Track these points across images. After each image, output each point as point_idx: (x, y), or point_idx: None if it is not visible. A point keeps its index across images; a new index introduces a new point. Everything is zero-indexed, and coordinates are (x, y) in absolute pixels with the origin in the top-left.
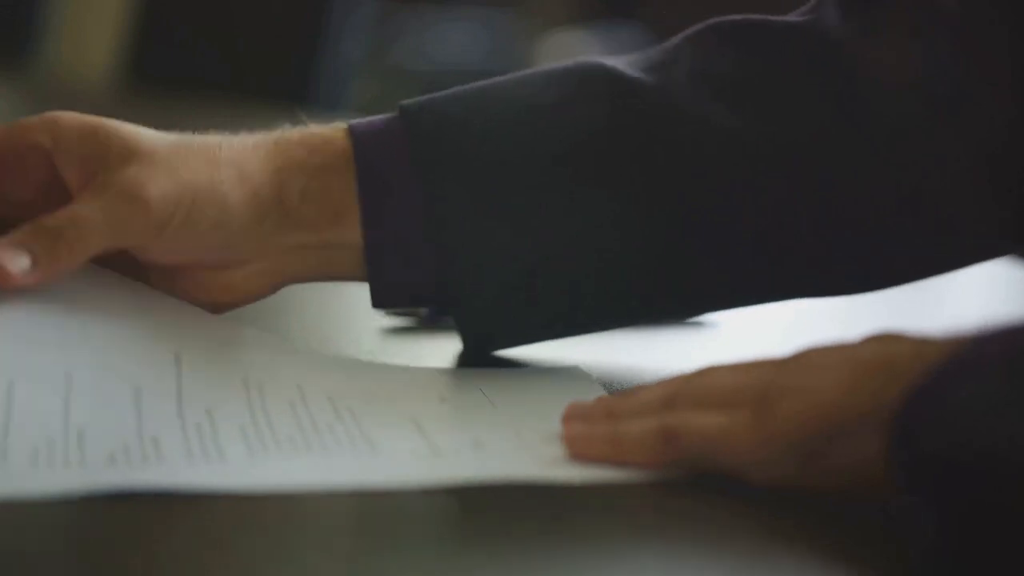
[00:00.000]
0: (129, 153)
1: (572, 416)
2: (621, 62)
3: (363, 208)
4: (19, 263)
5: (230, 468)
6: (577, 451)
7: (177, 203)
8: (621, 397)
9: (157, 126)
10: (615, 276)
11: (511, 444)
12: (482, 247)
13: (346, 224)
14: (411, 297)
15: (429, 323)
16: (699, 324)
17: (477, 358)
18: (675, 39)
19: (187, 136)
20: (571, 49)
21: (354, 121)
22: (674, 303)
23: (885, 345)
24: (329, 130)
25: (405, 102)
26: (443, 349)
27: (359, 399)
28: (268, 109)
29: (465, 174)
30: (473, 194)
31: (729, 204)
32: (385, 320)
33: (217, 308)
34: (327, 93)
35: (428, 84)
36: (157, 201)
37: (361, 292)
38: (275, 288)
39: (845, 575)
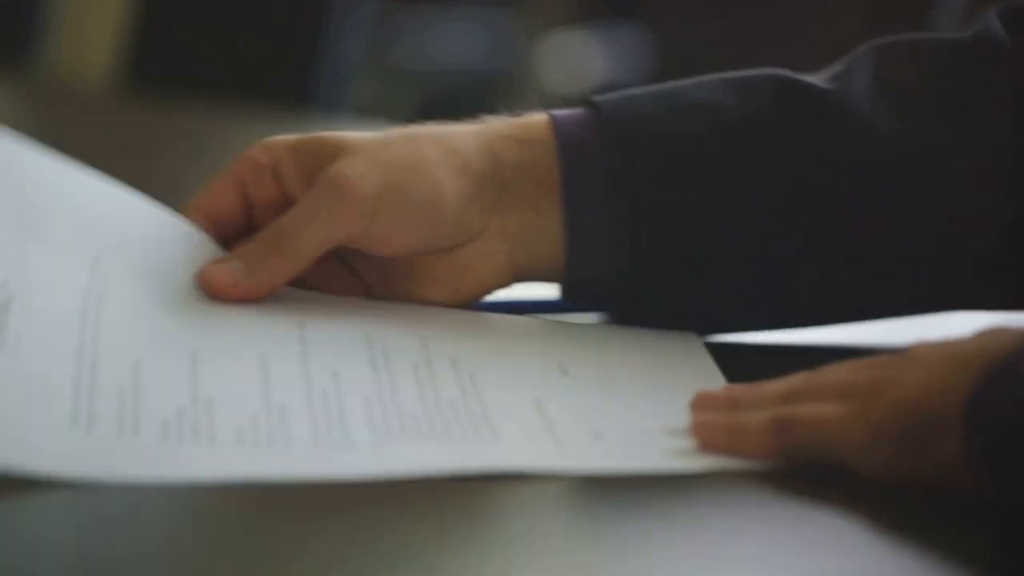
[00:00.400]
0: (338, 151)
1: (699, 405)
2: (803, 75)
3: (563, 180)
4: (235, 272)
5: (357, 457)
6: (701, 439)
7: (385, 184)
8: (746, 388)
9: (157, 126)
10: (783, 277)
11: (630, 433)
12: (663, 223)
13: (553, 199)
14: (598, 284)
15: None
16: None
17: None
18: (851, 54)
19: (396, 129)
20: (571, 49)
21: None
22: (838, 312)
23: (988, 339)
24: (528, 115)
25: (594, 97)
26: None
27: (482, 364)
28: (268, 109)
29: (649, 151)
30: (656, 168)
31: (885, 206)
32: None
33: (461, 297)
34: (327, 93)
35: (428, 84)
36: (363, 184)
37: None
38: (511, 274)
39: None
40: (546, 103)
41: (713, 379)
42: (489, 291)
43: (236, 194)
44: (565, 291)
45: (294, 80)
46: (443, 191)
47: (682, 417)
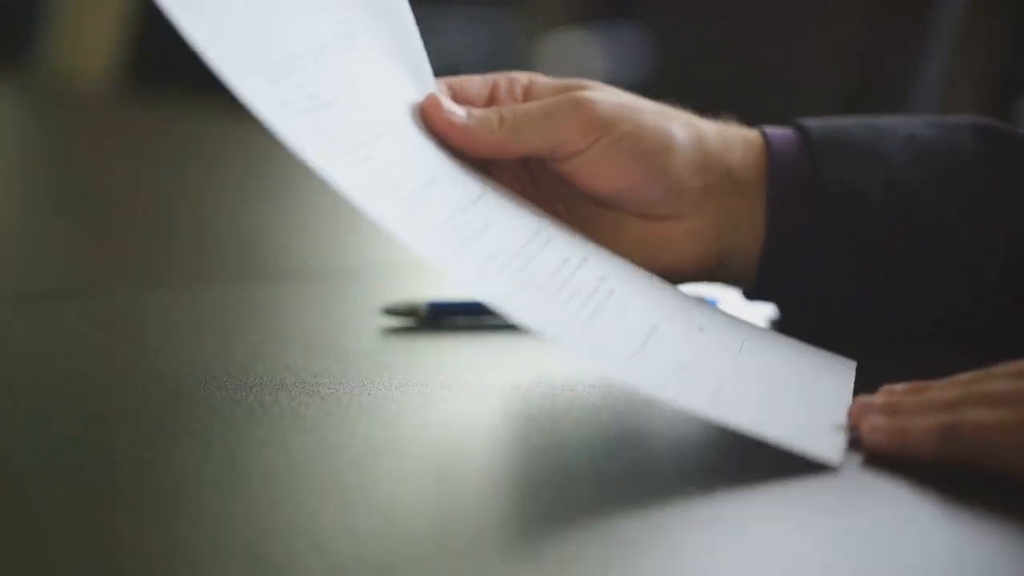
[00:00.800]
0: (590, 86)
1: (862, 408)
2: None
3: (769, 180)
4: (458, 113)
5: (462, 260)
6: (868, 440)
7: (621, 117)
8: (906, 392)
9: (157, 126)
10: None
11: (709, 378)
12: (863, 226)
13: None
14: (788, 281)
15: (429, 323)
16: None
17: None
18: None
19: None
20: (571, 49)
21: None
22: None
23: None
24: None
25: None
26: (443, 349)
27: (626, 289)
28: None
29: (853, 160)
30: (859, 172)
31: None
32: (385, 320)
33: (656, 270)
34: None
35: None
36: (601, 106)
37: (361, 292)
38: (705, 264)
39: None
40: None
41: (838, 397)
42: (677, 275)
43: (485, 87)
44: (757, 284)
45: None
46: (676, 146)
47: (783, 404)
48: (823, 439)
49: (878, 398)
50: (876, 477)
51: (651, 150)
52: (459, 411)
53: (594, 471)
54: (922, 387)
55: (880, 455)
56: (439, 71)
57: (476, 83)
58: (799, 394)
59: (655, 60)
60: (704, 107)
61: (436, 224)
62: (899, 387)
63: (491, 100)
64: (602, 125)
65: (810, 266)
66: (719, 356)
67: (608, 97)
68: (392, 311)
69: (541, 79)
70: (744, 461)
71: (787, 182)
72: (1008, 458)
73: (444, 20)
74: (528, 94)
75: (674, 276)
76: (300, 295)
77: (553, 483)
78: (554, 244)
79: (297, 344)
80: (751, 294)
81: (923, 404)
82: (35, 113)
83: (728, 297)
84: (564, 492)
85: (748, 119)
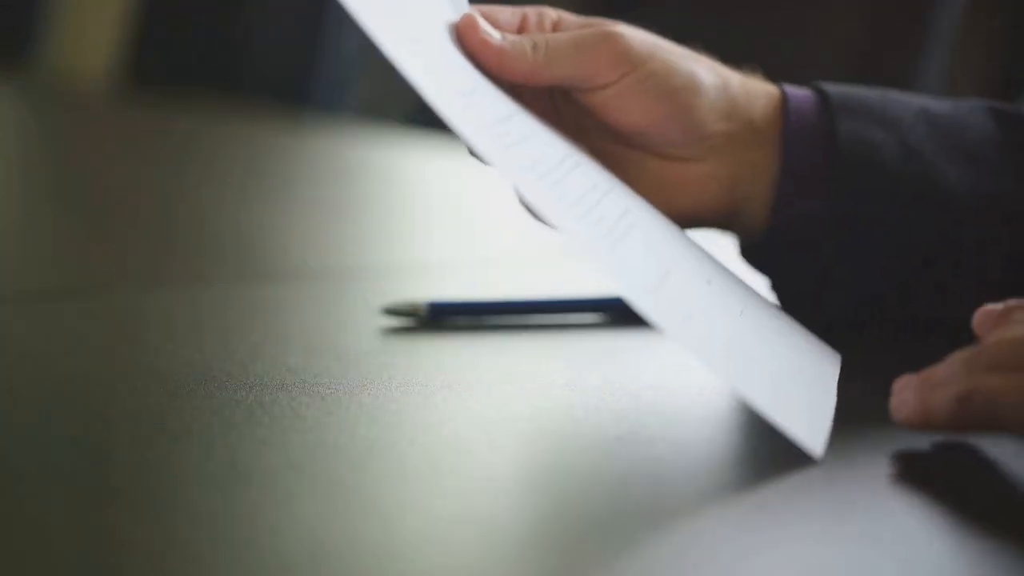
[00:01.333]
0: (615, 24)
1: (904, 384)
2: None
3: (784, 135)
4: (492, 33)
5: (507, 157)
6: (895, 416)
7: (651, 54)
8: (935, 367)
9: (157, 126)
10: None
11: (709, 324)
12: (875, 177)
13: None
14: (799, 234)
15: (429, 323)
16: None
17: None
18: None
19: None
20: None
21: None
22: None
23: None
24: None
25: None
26: (443, 349)
27: (644, 227)
28: (268, 109)
29: (870, 125)
30: (876, 139)
31: None
32: (385, 320)
33: (671, 212)
34: (327, 93)
35: None
36: (632, 41)
37: (361, 292)
38: (721, 210)
39: None
40: None
41: (826, 379)
42: (695, 219)
43: (516, 18)
44: (767, 234)
45: (294, 80)
46: (701, 88)
47: (775, 369)
48: (811, 427)
49: (915, 377)
50: (877, 476)
51: (678, 90)
52: (459, 411)
53: (594, 471)
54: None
55: (915, 429)
56: None
57: (506, 13)
58: (793, 373)
59: None
60: None
61: (479, 127)
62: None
63: (521, 30)
64: (632, 60)
65: (818, 232)
66: (722, 315)
67: (639, 34)
68: (392, 311)
69: (569, 16)
70: (744, 461)
71: (803, 136)
72: (1018, 423)
73: None
74: (557, 28)
75: (688, 219)
76: (300, 295)
77: (553, 483)
78: (582, 168)
79: (297, 344)
80: (756, 251)
81: (949, 373)
82: (35, 113)
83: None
84: (564, 492)
85: None
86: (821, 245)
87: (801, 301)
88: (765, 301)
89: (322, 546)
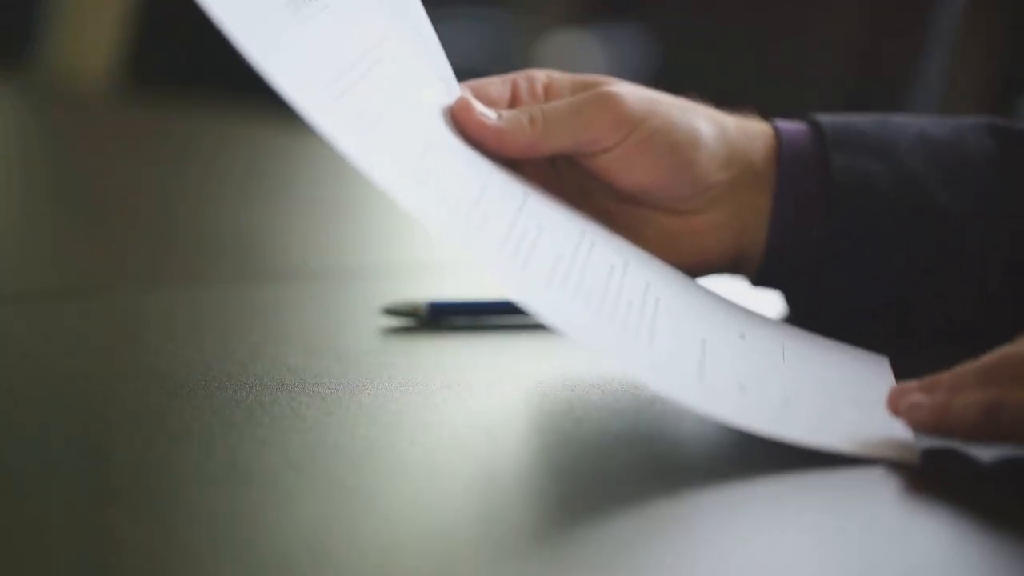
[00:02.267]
0: (607, 82)
1: (902, 390)
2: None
3: (778, 170)
4: (487, 114)
5: (521, 277)
6: (909, 419)
7: (650, 113)
8: (949, 373)
9: (157, 126)
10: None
11: (772, 397)
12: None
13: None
14: (796, 272)
15: (429, 323)
16: None
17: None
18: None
19: None
20: (571, 49)
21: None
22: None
23: None
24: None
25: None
26: (443, 349)
27: (671, 297)
28: (268, 109)
29: (864, 154)
30: (866, 160)
31: None
32: (385, 320)
33: (680, 263)
34: None
35: None
36: (630, 103)
37: (361, 292)
38: (729, 257)
39: None
40: None
41: (885, 378)
42: (704, 268)
43: (505, 90)
44: (762, 271)
45: None
46: (702, 142)
47: (839, 406)
48: (892, 438)
49: (914, 382)
50: (881, 475)
51: (679, 146)
52: (459, 411)
53: (594, 471)
54: (955, 371)
55: (925, 433)
56: None
57: (496, 84)
58: (854, 398)
59: (655, 60)
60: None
61: (501, 241)
62: (943, 375)
63: (513, 101)
64: (631, 121)
65: (816, 257)
66: (770, 368)
67: (634, 92)
68: (392, 311)
69: (559, 75)
70: (747, 460)
71: (797, 173)
72: None
73: (444, 20)
74: (548, 92)
75: (697, 269)
76: (300, 295)
77: (553, 483)
78: (598, 248)
79: (297, 344)
80: (757, 281)
81: (960, 379)
82: (35, 113)
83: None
84: (564, 492)
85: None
86: (818, 267)
87: (807, 315)
88: (796, 331)
89: (322, 546)
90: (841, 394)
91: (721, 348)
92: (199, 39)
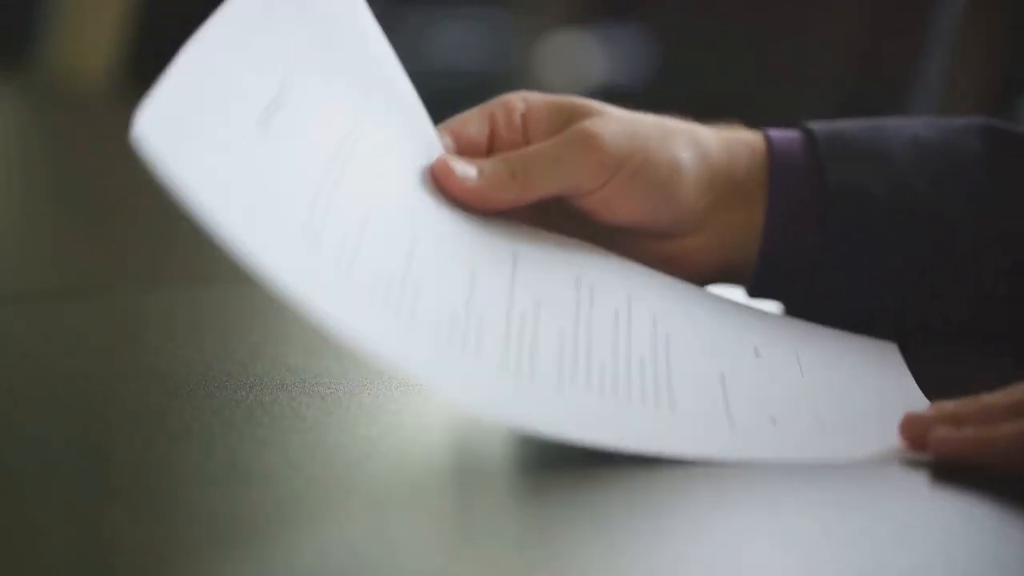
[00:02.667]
0: (590, 112)
1: (918, 422)
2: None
3: (770, 179)
4: (467, 173)
5: (538, 399)
6: (939, 452)
7: (631, 152)
8: (973, 401)
9: None
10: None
11: (807, 422)
12: (859, 221)
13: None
14: (789, 282)
15: None
16: None
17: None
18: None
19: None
20: (571, 49)
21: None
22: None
23: None
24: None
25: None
26: None
27: (680, 329)
28: None
29: (856, 163)
30: (861, 174)
31: None
32: None
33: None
34: None
35: (428, 84)
36: (610, 143)
37: None
38: (721, 268)
39: None
40: None
41: (906, 387)
42: (699, 283)
43: (484, 125)
44: (755, 283)
45: None
46: (683, 172)
47: (867, 414)
48: (845, 440)
49: (928, 411)
50: (891, 475)
51: (661, 183)
52: (459, 411)
53: (595, 470)
54: (973, 401)
55: (962, 464)
56: (439, 71)
57: (474, 122)
58: (876, 402)
59: (655, 60)
60: (704, 107)
61: (499, 364)
62: (949, 403)
63: (492, 138)
64: (613, 164)
65: (811, 263)
66: (792, 387)
67: (613, 128)
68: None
69: (535, 100)
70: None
71: (790, 181)
72: None
73: (444, 20)
74: (527, 122)
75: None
76: None
77: (553, 482)
78: (599, 296)
79: (297, 344)
80: (754, 291)
81: (983, 412)
82: (35, 113)
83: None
84: (565, 491)
85: (748, 119)
86: (814, 273)
87: (806, 319)
88: (803, 326)
89: (322, 546)
90: (863, 402)
91: (741, 378)
92: None
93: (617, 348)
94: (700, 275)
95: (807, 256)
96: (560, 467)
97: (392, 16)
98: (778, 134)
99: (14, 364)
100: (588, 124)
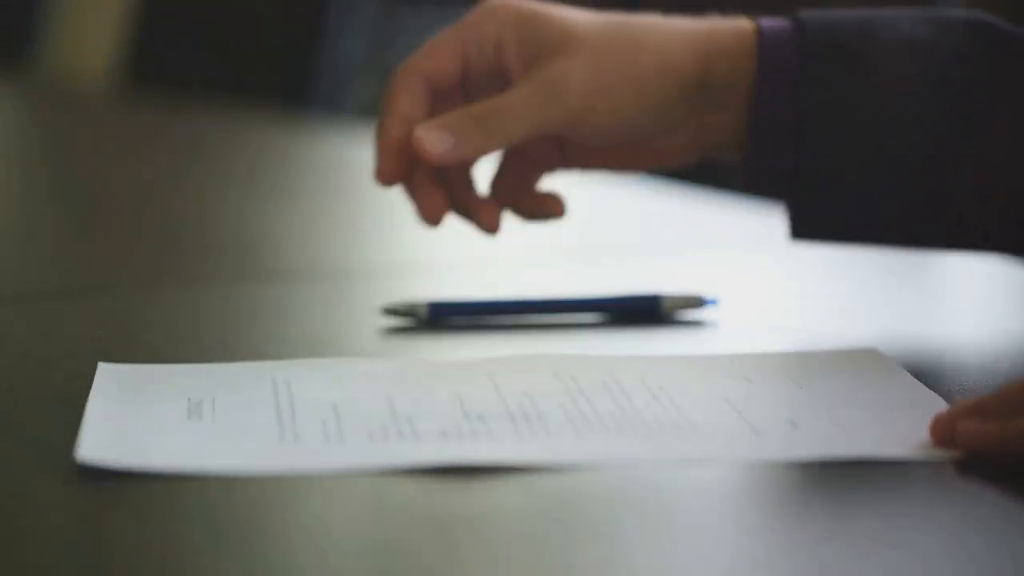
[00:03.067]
0: (562, 42)
1: (947, 419)
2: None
3: (757, 93)
4: (443, 143)
5: (558, 444)
6: (966, 445)
7: (598, 94)
8: (996, 395)
9: (157, 126)
10: (939, 192)
11: (827, 422)
12: (842, 131)
13: (743, 105)
14: (774, 176)
15: (429, 323)
16: (699, 324)
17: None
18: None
19: (617, 19)
20: None
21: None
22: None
23: None
24: (741, 22)
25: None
26: (443, 349)
27: (669, 378)
28: (268, 109)
29: (844, 69)
30: (849, 76)
31: None
32: (385, 320)
33: (642, 168)
34: (327, 93)
35: None
36: (579, 93)
37: (361, 292)
38: (696, 156)
39: None
40: None
41: (906, 382)
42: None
43: (455, 58)
44: (745, 181)
45: (294, 80)
46: (654, 104)
47: (879, 411)
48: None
49: (952, 408)
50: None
51: (630, 117)
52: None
53: (594, 468)
54: (995, 394)
55: (988, 458)
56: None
57: (445, 59)
58: (887, 398)
59: None
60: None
61: None
62: (971, 399)
63: (463, 70)
64: (582, 111)
65: (794, 178)
66: (798, 399)
67: (584, 72)
68: (392, 311)
69: (508, 28)
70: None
71: (774, 94)
72: None
73: (444, 20)
74: (499, 48)
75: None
76: (300, 295)
77: (554, 481)
78: (581, 379)
79: (297, 344)
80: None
81: (1006, 403)
82: (35, 113)
83: (728, 302)
84: (565, 491)
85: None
86: (796, 186)
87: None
88: (788, 356)
89: (322, 546)
90: (871, 401)
91: (745, 398)
92: (199, 39)
93: (619, 403)
94: (680, 163)
95: (789, 169)
96: (558, 468)
97: (392, 16)
98: (769, 26)
99: (14, 364)
100: (557, 69)
